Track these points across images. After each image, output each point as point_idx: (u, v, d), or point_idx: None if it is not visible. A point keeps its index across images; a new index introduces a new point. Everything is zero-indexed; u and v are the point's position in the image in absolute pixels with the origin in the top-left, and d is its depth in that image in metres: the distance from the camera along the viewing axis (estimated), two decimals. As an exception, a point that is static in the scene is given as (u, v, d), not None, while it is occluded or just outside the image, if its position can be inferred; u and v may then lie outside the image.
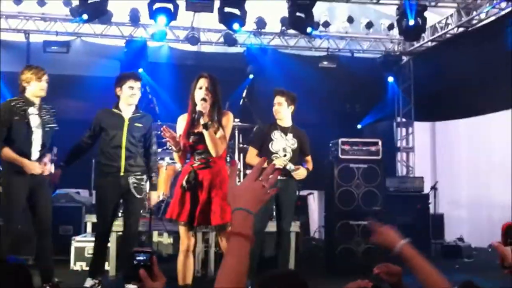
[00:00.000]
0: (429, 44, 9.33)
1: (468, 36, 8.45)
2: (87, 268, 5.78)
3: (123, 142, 4.98)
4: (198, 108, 4.21)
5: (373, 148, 7.02)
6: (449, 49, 8.96)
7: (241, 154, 6.75)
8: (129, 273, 1.82)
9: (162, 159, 6.68)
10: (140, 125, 5.10)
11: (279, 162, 5.28)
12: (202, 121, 4.15)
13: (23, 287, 2.15)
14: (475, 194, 9.11)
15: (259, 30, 9.09)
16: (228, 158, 5.83)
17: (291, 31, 8.87)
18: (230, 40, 9.05)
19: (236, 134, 6.85)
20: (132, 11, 8.57)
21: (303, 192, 8.77)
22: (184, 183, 4.23)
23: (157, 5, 7.42)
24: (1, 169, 5.07)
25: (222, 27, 8.20)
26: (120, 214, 5.54)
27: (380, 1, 8.14)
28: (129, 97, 5.04)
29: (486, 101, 8.56)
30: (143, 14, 8.45)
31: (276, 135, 5.49)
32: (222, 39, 9.19)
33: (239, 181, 6.37)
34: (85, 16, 7.64)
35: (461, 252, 7.77)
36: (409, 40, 9.15)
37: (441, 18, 8.84)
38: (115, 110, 5.10)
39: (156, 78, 9.00)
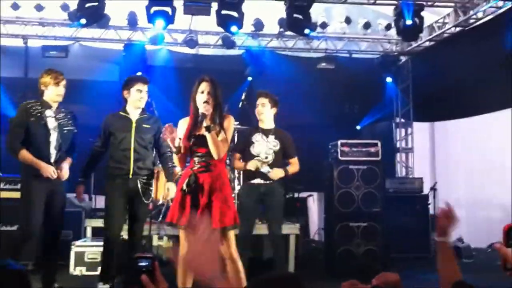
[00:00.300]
0: (427, 44, 9.33)
1: (465, 35, 8.45)
2: (87, 273, 5.78)
3: (132, 144, 5.01)
4: (201, 110, 4.22)
5: (372, 149, 7.02)
6: (447, 48, 8.96)
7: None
8: (131, 279, 1.83)
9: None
10: (148, 126, 5.12)
11: (251, 165, 5.32)
12: (205, 124, 4.16)
13: None
14: (474, 195, 9.11)
15: (257, 32, 9.10)
16: (227, 161, 5.84)
17: (289, 33, 8.87)
18: (228, 43, 9.05)
19: (236, 137, 6.85)
20: (130, 14, 8.56)
21: (303, 194, 8.79)
22: (184, 187, 4.23)
23: (155, 8, 7.41)
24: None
25: (219, 29, 8.20)
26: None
27: (377, 2, 8.14)
28: (137, 100, 5.09)
29: (485, 100, 8.56)
30: (140, 18, 8.46)
31: (257, 137, 5.50)
32: (220, 42, 9.20)
33: (238, 184, 6.40)
34: (83, 21, 7.63)
35: (461, 252, 7.76)
36: (407, 40, 9.15)
37: (438, 18, 8.85)
38: (123, 113, 5.13)
39: (155, 81, 8.96)
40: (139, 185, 4.99)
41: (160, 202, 6.31)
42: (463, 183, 9.54)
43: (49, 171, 4.73)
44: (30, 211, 4.73)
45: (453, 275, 2.32)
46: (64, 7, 8.14)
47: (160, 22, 7.48)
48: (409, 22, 7.74)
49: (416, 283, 5.76)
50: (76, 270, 6.28)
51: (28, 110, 4.81)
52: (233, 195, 5.76)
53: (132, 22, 8.68)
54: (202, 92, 4.27)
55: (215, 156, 4.22)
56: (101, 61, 9.21)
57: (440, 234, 2.45)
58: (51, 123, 4.85)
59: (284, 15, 7.93)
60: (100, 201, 8.18)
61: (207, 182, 4.23)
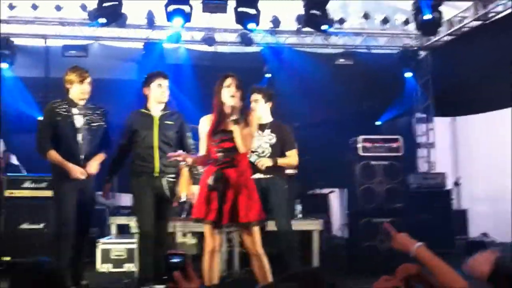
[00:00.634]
0: (447, 38, 9.25)
1: (485, 29, 8.36)
2: (114, 270, 5.79)
3: (155, 142, 4.95)
4: (229, 104, 4.21)
5: (394, 145, 6.97)
6: (466, 42, 8.87)
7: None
8: (163, 275, 1.82)
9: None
10: (171, 122, 5.06)
11: None
12: (234, 117, 4.16)
13: None
14: (498, 189, 9.00)
15: (275, 29, 9.07)
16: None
17: (307, 29, 8.82)
18: (246, 40, 9.04)
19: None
20: (149, 13, 8.59)
21: (325, 190, 8.76)
22: (210, 182, 4.22)
23: (173, 7, 7.43)
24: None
25: (237, 27, 8.20)
26: None
27: (395, -4, 8.09)
28: (159, 95, 5.02)
29: (505, 94, 8.45)
30: (158, 16, 8.48)
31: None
32: (238, 39, 9.19)
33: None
34: (102, 20, 7.68)
35: (486, 247, 7.67)
36: (426, 35, 9.06)
37: (457, 12, 8.77)
38: (144, 110, 5.09)
39: (174, 80, 8.97)
40: (166, 185, 4.95)
41: (183, 199, 6.30)
42: (486, 178, 9.43)
43: (77, 173, 4.73)
44: (62, 211, 4.74)
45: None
46: (83, 7, 8.19)
47: (178, 20, 7.50)
48: (427, 16, 7.68)
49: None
50: (103, 267, 6.34)
51: (54, 110, 4.80)
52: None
53: (150, 21, 8.72)
54: (228, 86, 4.26)
55: (242, 149, 4.22)
56: (120, 60, 9.21)
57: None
58: (78, 121, 4.83)
59: (301, 11, 7.93)
60: (123, 199, 8.25)
61: (233, 177, 4.23)
